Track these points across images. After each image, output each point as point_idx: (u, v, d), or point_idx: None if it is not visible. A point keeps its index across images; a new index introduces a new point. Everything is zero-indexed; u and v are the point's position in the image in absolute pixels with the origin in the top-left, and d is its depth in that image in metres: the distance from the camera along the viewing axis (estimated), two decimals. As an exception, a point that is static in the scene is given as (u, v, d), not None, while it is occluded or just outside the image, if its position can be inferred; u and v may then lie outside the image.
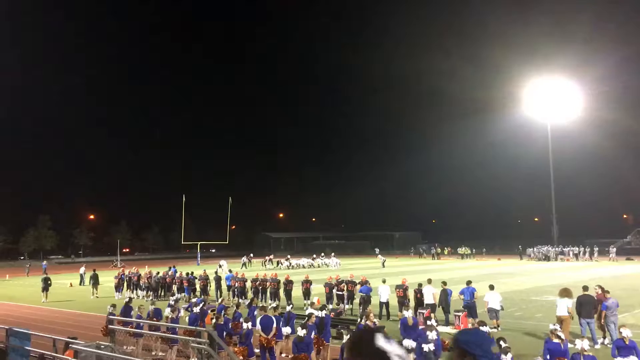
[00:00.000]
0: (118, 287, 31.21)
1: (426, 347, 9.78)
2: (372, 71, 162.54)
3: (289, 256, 62.06)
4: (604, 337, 15.26)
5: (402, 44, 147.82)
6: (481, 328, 10.93)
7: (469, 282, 18.70)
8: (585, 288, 16.08)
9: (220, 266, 42.14)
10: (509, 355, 9.25)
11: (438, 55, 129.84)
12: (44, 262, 54.39)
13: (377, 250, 63.61)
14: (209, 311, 14.78)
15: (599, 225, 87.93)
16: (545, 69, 75.12)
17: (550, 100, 68.07)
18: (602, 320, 15.38)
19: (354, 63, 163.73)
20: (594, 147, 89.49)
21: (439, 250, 75.75)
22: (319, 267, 55.92)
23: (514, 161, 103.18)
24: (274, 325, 13.30)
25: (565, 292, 15.90)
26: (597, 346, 14.73)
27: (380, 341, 2.35)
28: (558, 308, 15.73)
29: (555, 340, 10.37)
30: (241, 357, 12.61)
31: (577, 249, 62.83)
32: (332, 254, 63.54)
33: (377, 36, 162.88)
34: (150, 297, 27.72)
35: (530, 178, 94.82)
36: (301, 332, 11.47)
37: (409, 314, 14.07)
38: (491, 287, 18.39)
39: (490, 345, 2.85)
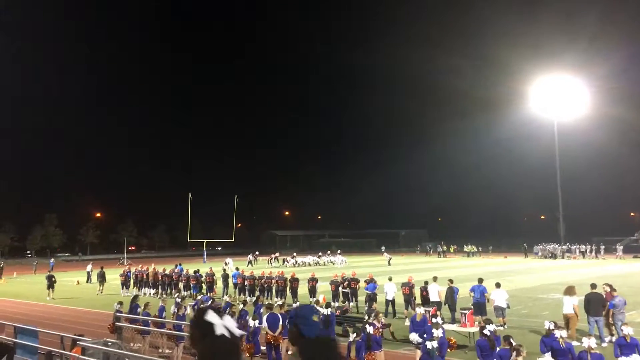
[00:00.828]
0: (124, 285, 31.35)
1: (429, 345, 9.75)
2: (376, 69, 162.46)
3: (294, 254, 62.09)
4: (612, 335, 15.19)
5: (407, 41, 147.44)
6: (487, 326, 10.90)
7: (480, 280, 18.66)
8: (593, 286, 16.02)
9: (226, 264, 42.24)
10: (522, 354, 9.21)
11: (443, 53, 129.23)
12: (52, 260, 54.69)
13: (383, 249, 63.66)
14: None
15: (605, 223, 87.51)
16: (551, 66, 74.79)
17: (557, 98, 67.74)
18: (610, 319, 15.31)
19: (356, 60, 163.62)
20: (600, 145, 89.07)
21: (444, 248, 75.65)
22: (324, 264, 55.95)
23: (521, 159, 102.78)
24: (281, 322, 13.32)
25: (569, 290, 15.88)
26: (604, 344, 14.66)
27: (209, 315, 2.87)
28: (564, 306, 15.71)
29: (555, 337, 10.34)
30: (247, 355, 12.64)
31: (583, 246, 62.60)
32: (339, 251, 63.52)
33: (381, 34, 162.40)
34: (161, 294, 27.75)
35: (537, 176, 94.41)
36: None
37: (420, 310, 14.09)
38: (497, 285, 18.35)
39: (312, 315, 3.09)
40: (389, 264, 52.59)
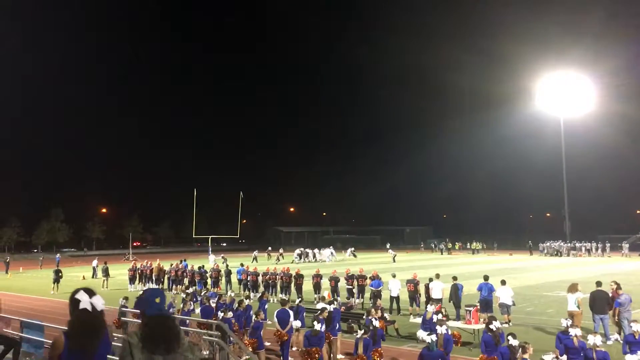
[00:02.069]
0: (132, 280, 31.47)
1: (428, 338, 9.78)
2: (382, 65, 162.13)
3: (281, 250, 62.50)
4: (619, 333, 15.13)
5: (412, 38, 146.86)
6: (493, 323, 10.89)
7: (486, 278, 18.62)
8: (598, 284, 15.95)
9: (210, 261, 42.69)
10: (528, 351, 9.20)
11: (448, 50, 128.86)
12: (58, 255, 55.03)
13: (388, 245, 63.56)
14: (222, 308, 14.83)
15: (611, 220, 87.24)
16: (558, 63, 74.43)
17: (563, 94, 67.36)
18: (616, 317, 15.26)
19: (360, 57, 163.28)
20: (607, 142, 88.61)
21: (449, 245, 75.51)
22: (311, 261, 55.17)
23: (526, 156, 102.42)
24: (291, 319, 13.31)
25: (572, 288, 15.86)
26: (610, 342, 14.62)
27: (79, 294, 4.03)
28: (568, 304, 15.70)
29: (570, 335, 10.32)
30: (250, 349, 12.65)
31: (589, 244, 62.39)
32: (331, 246, 63.57)
33: (385, 31, 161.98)
34: (173, 290, 27.81)
35: (542, 173, 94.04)
36: (317, 325, 11.45)
37: (431, 308, 14.08)
38: (503, 283, 18.32)
39: (155, 297, 4.18)
40: (394, 260, 52.55)
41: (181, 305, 15.35)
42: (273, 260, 55.40)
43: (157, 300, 4.22)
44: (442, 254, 69.45)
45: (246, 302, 14.87)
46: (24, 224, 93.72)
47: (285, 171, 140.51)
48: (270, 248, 67.92)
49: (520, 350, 9.22)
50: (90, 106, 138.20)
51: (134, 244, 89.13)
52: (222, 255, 55.52)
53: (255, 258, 56.33)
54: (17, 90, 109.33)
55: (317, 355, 11.16)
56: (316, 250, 59.82)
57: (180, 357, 3.99)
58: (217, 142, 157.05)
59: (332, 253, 58.79)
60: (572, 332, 10.00)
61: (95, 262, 41.13)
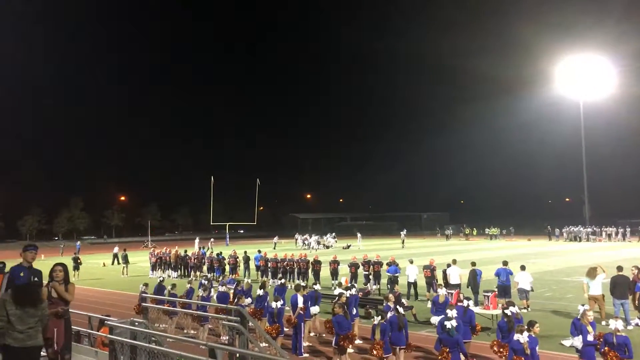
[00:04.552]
0: (154, 267, 31.85)
1: (448, 324, 9.74)
2: (397, 50, 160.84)
3: (276, 237, 63.33)
4: (639, 318, 15.00)
5: (430, 23, 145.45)
6: (510, 308, 10.83)
7: (505, 263, 18.53)
8: (619, 268, 15.78)
9: (208, 247, 43.01)
10: (525, 334, 9.15)
11: (467, 35, 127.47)
12: (78, 243, 55.90)
13: (404, 231, 63.41)
14: (239, 294, 14.93)
15: (632, 205, 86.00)
16: (577, 46, 73.11)
17: (583, 78, 66.25)
18: (637, 302, 15.11)
19: (379, 43, 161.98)
20: (627, 125, 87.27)
21: (467, 230, 75.06)
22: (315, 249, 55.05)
23: (545, 140, 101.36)
24: (299, 304, 13.37)
25: (592, 273, 15.72)
26: (630, 327, 14.50)
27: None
28: (592, 288, 15.57)
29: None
30: (272, 336, 12.75)
31: (610, 229, 61.69)
32: (333, 233, 63.59)
33: (404, 16, 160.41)
34: (192, 277, 28.11)
35: (562, 157, 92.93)
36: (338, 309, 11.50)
37: (442, 291, 14.03)
38: (522, 268, 18.21)
39: (20, 273, 7.66)
40: (403, 245, 52.73)
41: (200, 292, 15.48)
42: (295, 245, 56.43)
43: (22, 274, 7.69)
44: (447, 240, 68.29)
45: (259, 291, 14.93)
46: (45, 212, 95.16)
47: (301, 158, 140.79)
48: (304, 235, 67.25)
49: (519, 333, 9.19)
50: (110, 96, 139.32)
51: (153, 230, 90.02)
52: (212, 241, 56.09)
53: (276, 245, 56.88)
54: (30, 81, 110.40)
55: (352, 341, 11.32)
56: (316, 237, 59.89)
57: (39, 311, 6.46)
58: (234, 130, 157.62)
59: (334, 238, 59.12)
60: (613, 324, 9.64)
61: (116, 249, 41.67)
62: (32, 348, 6.41)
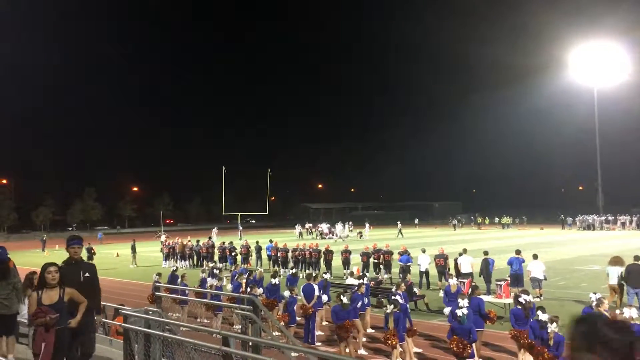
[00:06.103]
0: (167, 257, 32.04)
1: (459, 312, 9.74)
2: (411, 40, 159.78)
3: (299, 225, 63.60)
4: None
5: (443, 12, 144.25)
6: (522, 296, 10.78)
7: (518, 252, 18.45)
8: (636, 257, 15.63)
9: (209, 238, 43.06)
10: (554, 324, 9.10)
11: (480, 22, 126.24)
12: (100, 233, 57.23)
13: (417, 221, 63.10)
14: (251, 284, 14.99)
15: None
16: (591, 32, 72.04)
17: (597, 64, 65.36)
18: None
19: (389, 34, 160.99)
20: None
21: (479, 219, 74.68)
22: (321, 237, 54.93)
23: (558, 128, 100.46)
24: (315, 293, 13.44)
25: (615, 261, 15.59)
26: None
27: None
28: (610, 277, 15.48)
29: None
30: (282, 324, 12.82)
31: (623, 217, 61.13)
32: (350, 222, 63.59)
33: (418, 6, 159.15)
34: (205, 266, 28.30)
35: (575, 145, 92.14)
36: (345, 299, 11.55)
37: (453, 281, 14.00)
38: (535, 257, 18.13)
39: None
40: (401, 235, 52.90)
41: (214, 282, 15.59)
42: (314, 235, 57.15)
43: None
44: (454, 229, 67.74)
45: (274, 280, 14.99)
46: (59, 203, 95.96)
47: (314, 148, 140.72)
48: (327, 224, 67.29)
49: (549, 323, 9.13)
50: (123, 87, 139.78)
51: (166, 221, 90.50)
52: (215, 231, 55.60)
53: (300, 234, 57.17)
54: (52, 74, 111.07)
55: (350, 329, 11.30)
56: (326, 225, 59.87)
57: (10, 283, 8.03)
58: (245, 120, 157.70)
59: (343, 227, 59.02)
60: (627, 312, 9.55)
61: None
62: (7, 316, 8.00)
